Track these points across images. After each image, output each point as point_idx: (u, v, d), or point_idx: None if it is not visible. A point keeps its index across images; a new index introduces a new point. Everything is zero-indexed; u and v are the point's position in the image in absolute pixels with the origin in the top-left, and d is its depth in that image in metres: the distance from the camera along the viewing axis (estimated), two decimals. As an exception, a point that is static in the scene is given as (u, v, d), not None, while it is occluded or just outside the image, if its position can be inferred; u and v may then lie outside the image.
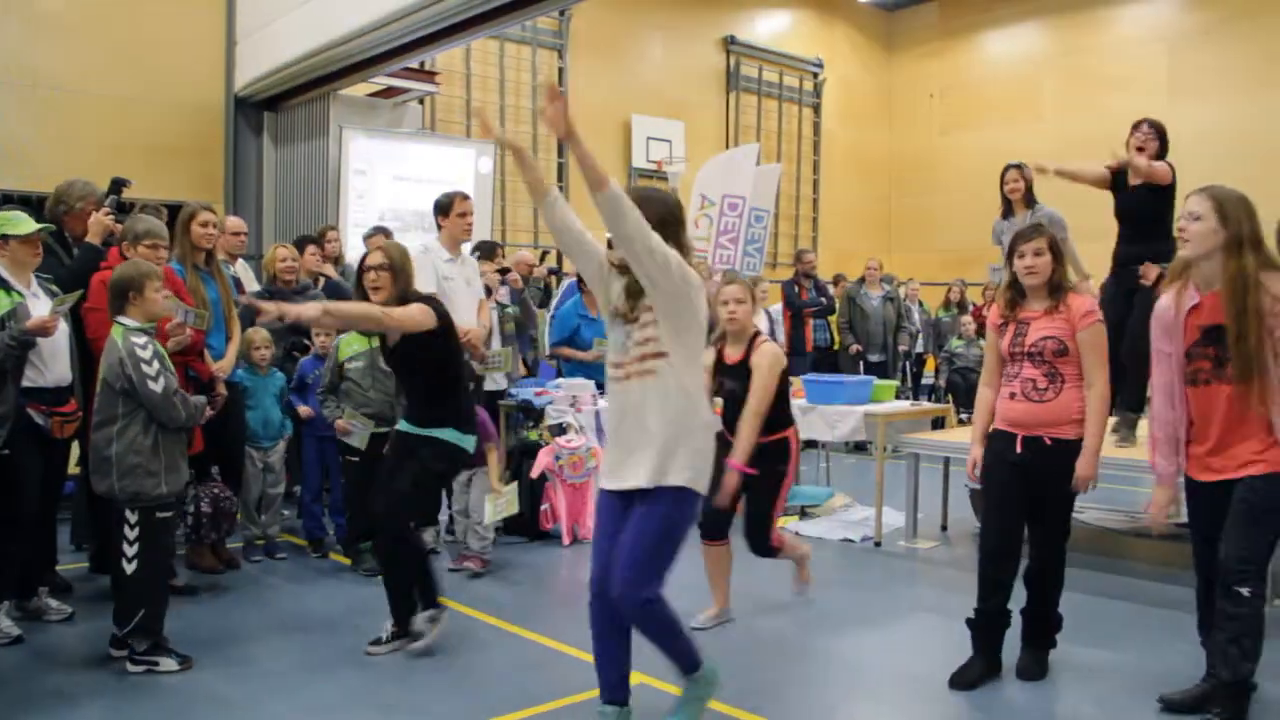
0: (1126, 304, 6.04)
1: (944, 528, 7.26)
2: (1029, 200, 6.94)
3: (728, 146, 15.34)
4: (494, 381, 6.99)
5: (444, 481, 5.47)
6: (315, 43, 9.09)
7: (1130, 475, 6.31)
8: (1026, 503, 4.27)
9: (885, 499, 6.99)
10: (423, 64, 10.95)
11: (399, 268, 4.73)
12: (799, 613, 5.37)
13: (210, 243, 5.88)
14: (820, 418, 7.32)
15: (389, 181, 10.41)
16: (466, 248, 6.78)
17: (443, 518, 6.77)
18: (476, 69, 13.38)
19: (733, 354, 5.00)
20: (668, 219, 3.48)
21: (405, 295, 4.71)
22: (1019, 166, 6.98)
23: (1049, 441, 4.18)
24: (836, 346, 11.69)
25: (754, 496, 5.03)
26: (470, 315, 6.45)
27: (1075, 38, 16.76)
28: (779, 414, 4.97)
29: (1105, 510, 7.67)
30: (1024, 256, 4.20)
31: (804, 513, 7.61)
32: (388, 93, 11.38)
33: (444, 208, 6.45)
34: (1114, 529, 7.23)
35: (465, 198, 6.50)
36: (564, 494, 6.78)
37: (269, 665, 4.53)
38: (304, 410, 6.42)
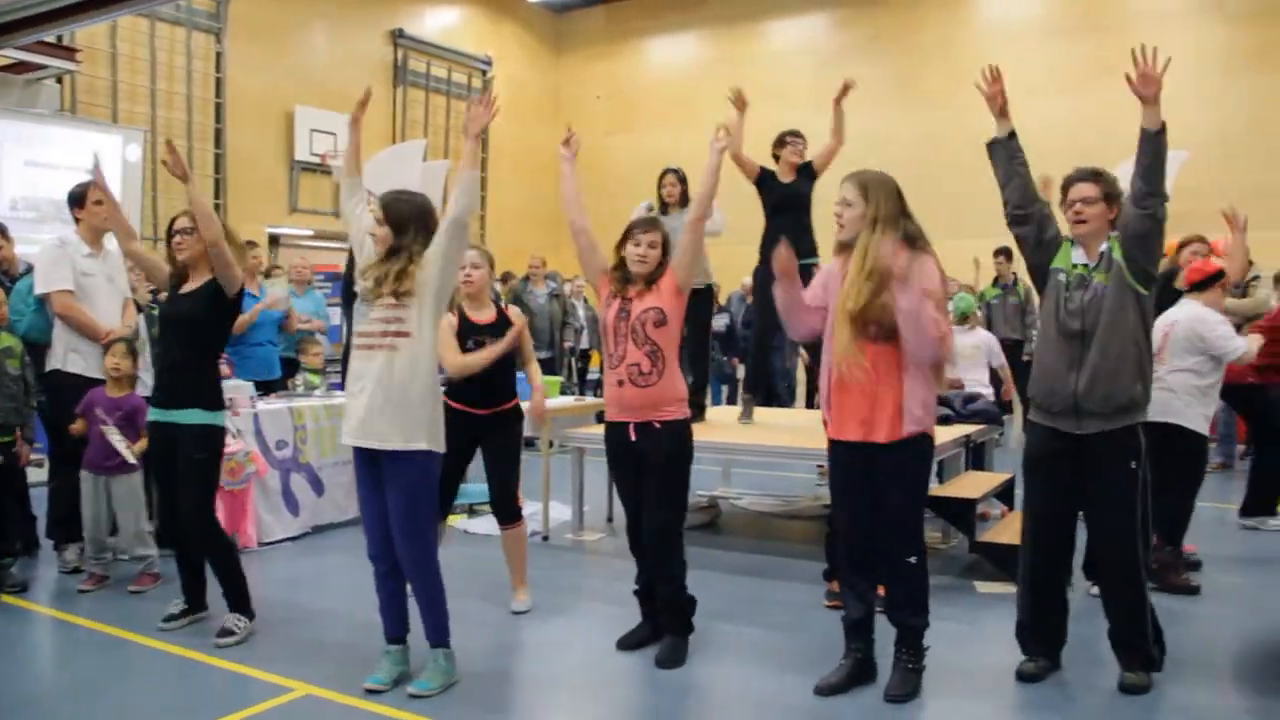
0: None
1: (609, 519, 7.47)
2: (684, 203, 7.27)
3: (394, 141, 15.14)
4: (144, 385, 6.57)
5: (215, 462, 5.06)
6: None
7: (782, 462, 6.74)
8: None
9: (552, 493, 7.14)
10: (60, 38, 10.13)
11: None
12: (471, 608, 5.38)
13: None
14: (487, 415, 7.33)
15: (19, 167, 9.58)
16: (112, 242, 6.32)
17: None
18: (124, 48, 12.47)
19: (482, 316, 5.22)
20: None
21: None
22: (675, 170, 7.30)
23: (658, 425, 4.44)
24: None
25: (498, 465, 5.26)
26: (113, 315, 6.05)
27: (733, 48, 17.65)
28: (509, 383, 5.30)
29: (758, 495, 8.14)
30: (639, 245, 4.51)
31: (472, 510, 7.62)
32: (19, 68, 10.41)
33: (78, 198, 5.99)
34: (767, 513, 7.69)
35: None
36: (223, 502, 6.47)
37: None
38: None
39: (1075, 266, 4.24)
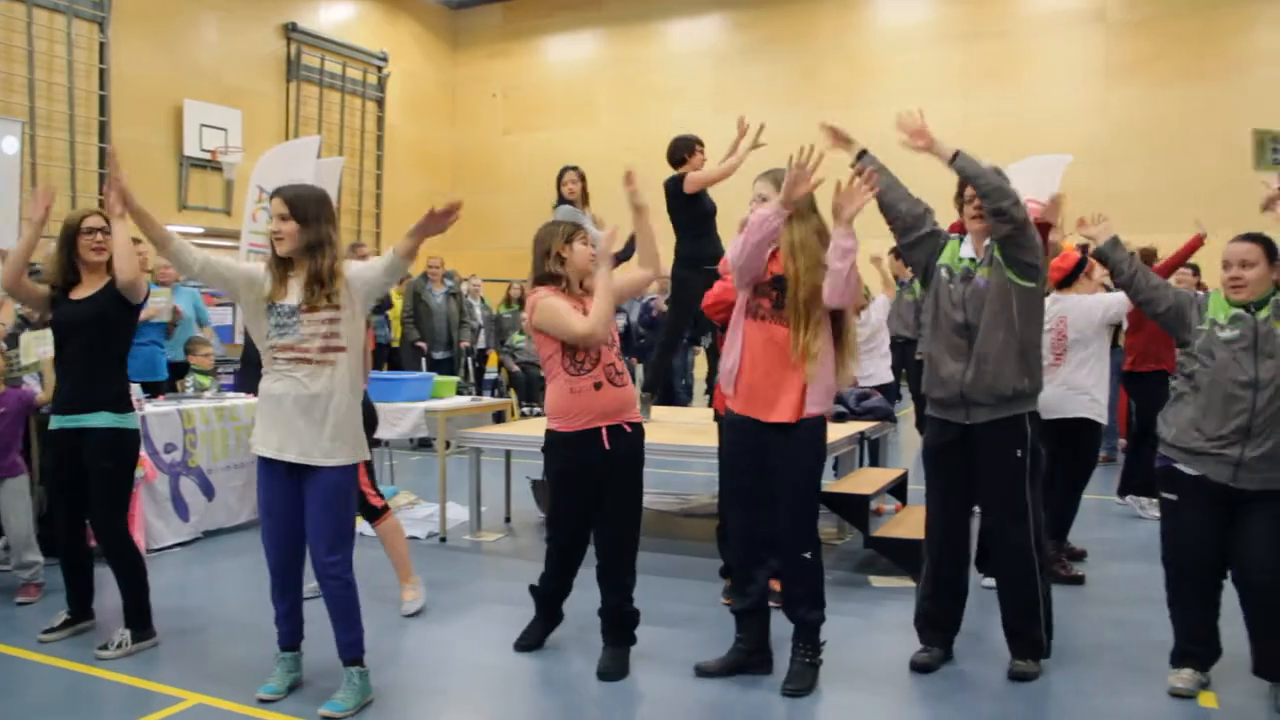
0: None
1: (508, 519, 7.42)
2: (585, 201, 7.26)
3: (288, 137, 14.90)
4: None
5: (128, 471, 4.83)
6: None
7: (681, 460, 6.77)
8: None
9: (449, 494, 7.06)
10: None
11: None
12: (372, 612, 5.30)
13: None
14: (381, 415, 7.24)
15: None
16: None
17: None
18: (-1, 35, 12.08)
19: None
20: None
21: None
22: (575, 169, 7.28)
23: (628, 428, 4.38)
24: (397, 343, 11.64)
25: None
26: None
27: (630, 48, 17.71)
28: None
29: (656, 494, 8.17)
30: (586, 243, 4.42)
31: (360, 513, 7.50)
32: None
33: None
34: (666, 511, 7.72)
35: None
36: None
37: None
38: None
39: (962, 260, 4.36)
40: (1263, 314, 4.03)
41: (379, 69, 17.52)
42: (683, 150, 6.65)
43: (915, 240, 4.44)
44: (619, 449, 4.31)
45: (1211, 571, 4.15)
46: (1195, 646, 4.23)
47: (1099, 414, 5.86)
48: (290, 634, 4.18)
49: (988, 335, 4.22)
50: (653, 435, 6.78)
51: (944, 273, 4.38)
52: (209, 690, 4.16)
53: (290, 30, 15.86)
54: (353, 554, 4.07)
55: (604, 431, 4.27)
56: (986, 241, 4.33)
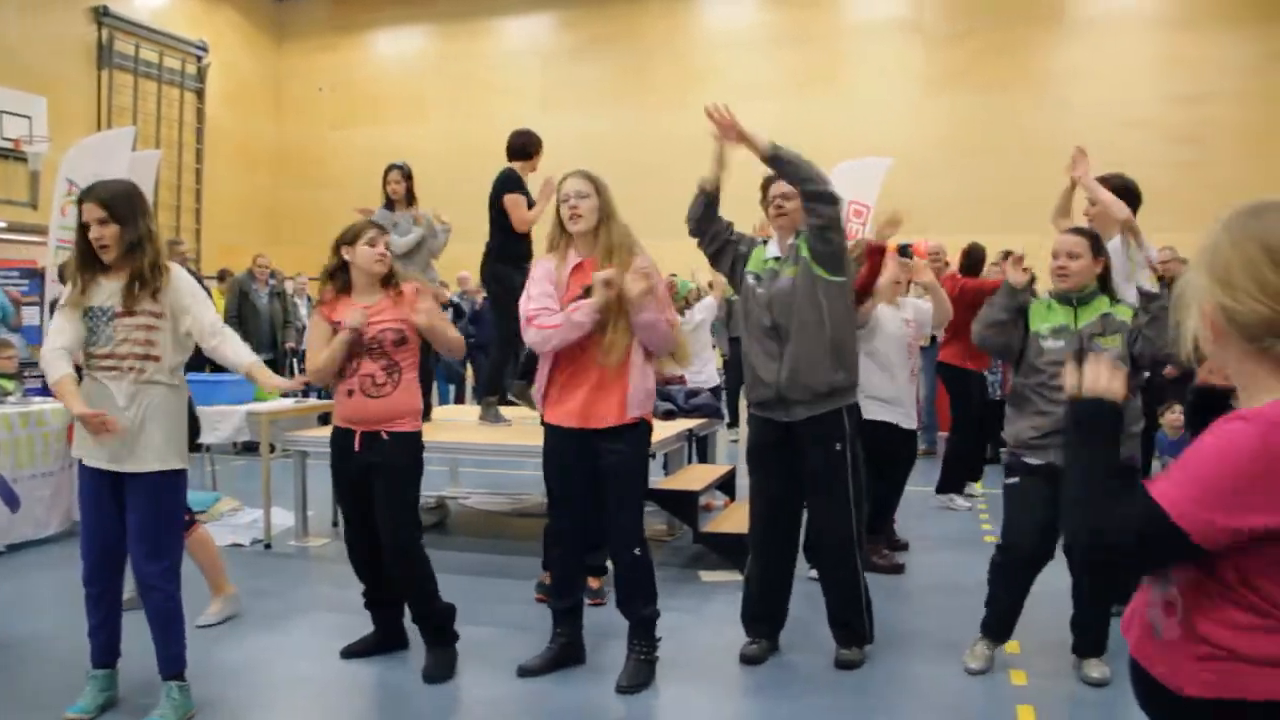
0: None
1: (335, 523, 7.25)
2: (410, 200, 7.16)
3: (100, 128, 14.23)
4: None
5: None
6: None
7: (510, 459, 6.76)
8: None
9: (274, 499, 6.88)
10: None
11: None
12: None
13: None
14: (201, 419, 7.00)
15: None
16: None
17: None
18: None
19: None
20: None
21: None
22: (400, 167, 7.18)
23: (386, 436, 4.33)
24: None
25: None
26: None
27: (459, 44, 17.53)
28: None
29: (486, 494, 8.14)
30: (375, 245, 4.35)
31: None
32: None
33: None
34: (496, 511, 7.69)
35: None
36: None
37: None
38: None
39: (767, 261, 4.50)
40: (1085, 317, 4.30)
41: (198, 59, 16.87)
42: (529, 148, 6.64)
43: (719, 249, 4.59)
44: (372, 455, 4.30)
45: (1042, 555, 4.38)
46: (1003, 624, 4.51)
47: (905, 419, 6.10)
48: (104, 650, 3.96)
49: (799, 334, 4.35)
50: (480, 435, 6.80)
51: (750, 279, 4.51)
52: (14, 711, 3.96)
53: (101, 15, 15.11)
54: (179, 564, 3.92)
55: (357, 435, 4.31)
56: (791, 240, 4.46)
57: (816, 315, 4.35)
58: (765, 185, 4.57)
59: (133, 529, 3.79)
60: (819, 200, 4.28)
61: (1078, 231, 4.45)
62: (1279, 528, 1.53)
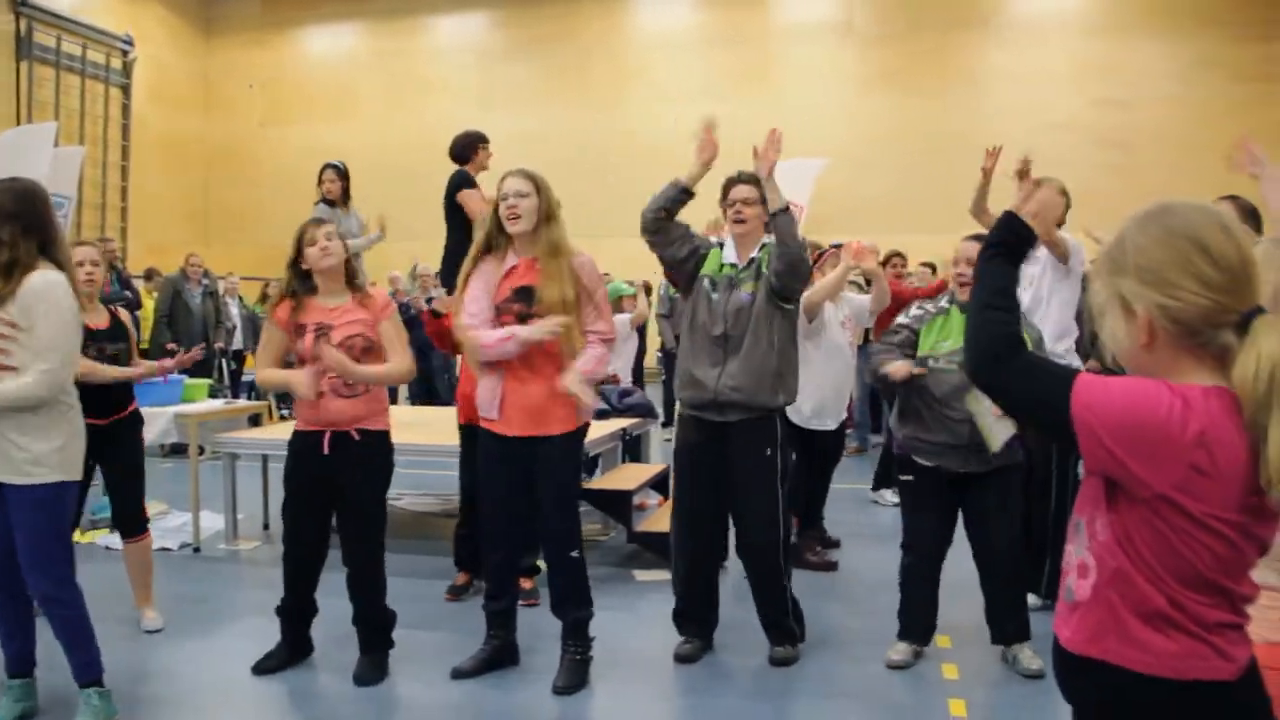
0: None
1: (266, 526, 7.16)
2: (346, 199, 7.09)
3: (19, 123, 13.88)
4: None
5: None
6: None
7: (440, 460, 6.70)
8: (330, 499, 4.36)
9: (203, 502, 6.76)
10: None
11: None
12: (112, 631, 5.02)
13: None
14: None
15: None
16: None
17: None
18: None
19: (95, 320, 4.81)
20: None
21: None
22: (336, 166, 7.10)
23: (357, 435, 4.29)
24: (146, 344, 11.06)
25: (122, 476, 5.02)
26: None
27: (394, 41, 17.41)
28: (127, 388, 5.00)
29: (416, 495, 8.08)
30: (315, 242, 4.26)
31: (114, 526, 7.08)
32: None
33: None
34: (426, 512, 7.63)
35: None
36: None
37: None
38: None
39: (724, 266, 4.47)
40: None
41: (124, 53, 16.55)
42: (468, 150, 6.54)
43: (689, 253, 4.52)
44: (343, 456, 4.26)
45: (943, 550, 4.49)
46: (922, 626, 4.57)
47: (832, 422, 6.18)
48: (17, 659, 3.86)
49: (749, 352, 4.35)
50: (411, 436, 6.73)
51: (705, 283, 4.48)
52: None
53: (19, 4, 14.73)
54: (72, 574, 3.75)
55: (326, 436, 4.26)
56: (754, 253, 4.46)
57: (768, 337, 4.37)
58: (727, 187, 4.54)
59: (16, 545, 3.62)
60: (792, 275, 4.32)
61: (979, 239, 4.35)
62: (1144, 481, 1.57)
